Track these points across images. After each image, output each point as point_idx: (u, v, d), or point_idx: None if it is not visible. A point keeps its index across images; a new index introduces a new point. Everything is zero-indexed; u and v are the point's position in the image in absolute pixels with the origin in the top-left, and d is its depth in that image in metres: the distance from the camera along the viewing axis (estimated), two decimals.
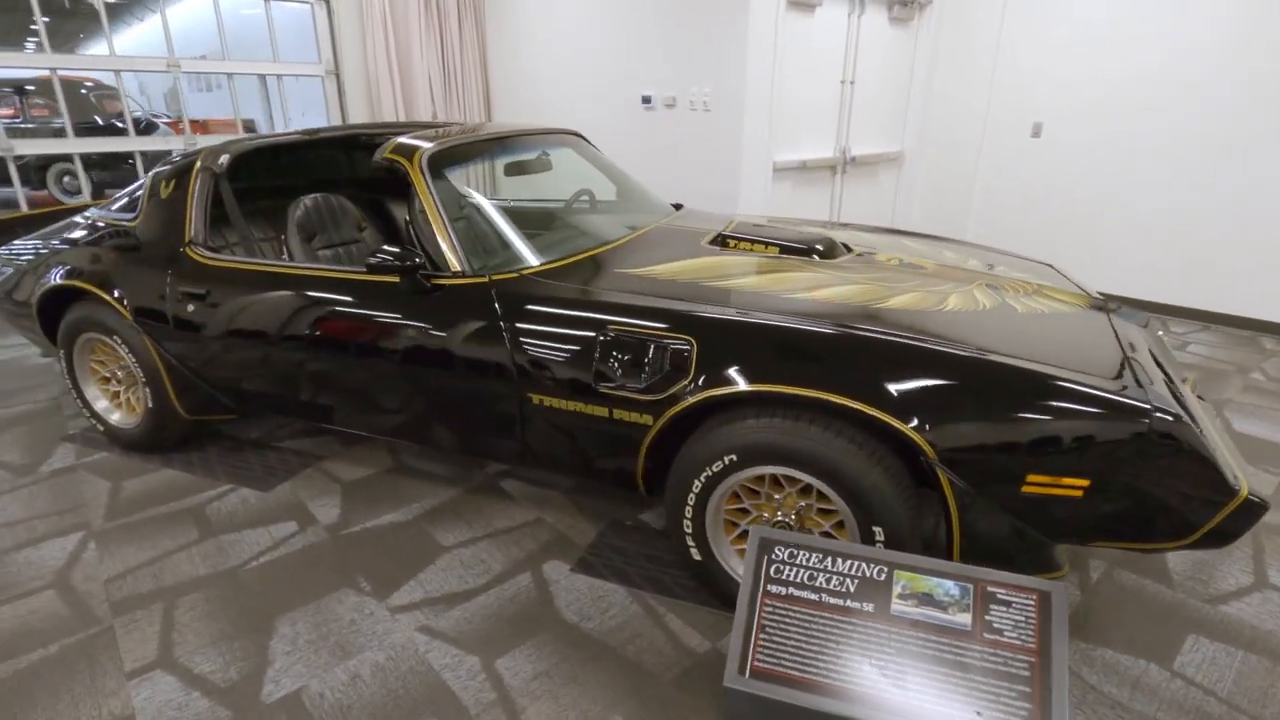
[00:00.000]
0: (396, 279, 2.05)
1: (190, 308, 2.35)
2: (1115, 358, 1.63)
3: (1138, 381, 1.52)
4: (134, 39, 15.40)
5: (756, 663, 1.41)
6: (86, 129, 7.56)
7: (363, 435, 2.56)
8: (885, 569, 1.46)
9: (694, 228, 2.52)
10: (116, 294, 2.47)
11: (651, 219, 2.61)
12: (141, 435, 2.66)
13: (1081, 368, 1.54)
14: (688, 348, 1.69)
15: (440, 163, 2.20)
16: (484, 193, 2.33)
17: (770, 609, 1.46)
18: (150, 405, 2.56)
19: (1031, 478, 1.47)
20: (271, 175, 3.14)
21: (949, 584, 1.42)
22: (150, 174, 2.61)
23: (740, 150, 4.15)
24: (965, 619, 1.37)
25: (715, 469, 1.70)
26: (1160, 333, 2.02)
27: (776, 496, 1.73)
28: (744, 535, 1.81)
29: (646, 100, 4.58)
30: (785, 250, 2.23)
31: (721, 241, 2.30)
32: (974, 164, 5.22)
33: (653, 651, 1.74)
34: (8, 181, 6.25)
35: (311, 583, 2.00)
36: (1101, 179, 4.57)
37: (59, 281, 2.59)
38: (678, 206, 2.94)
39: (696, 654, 1.73)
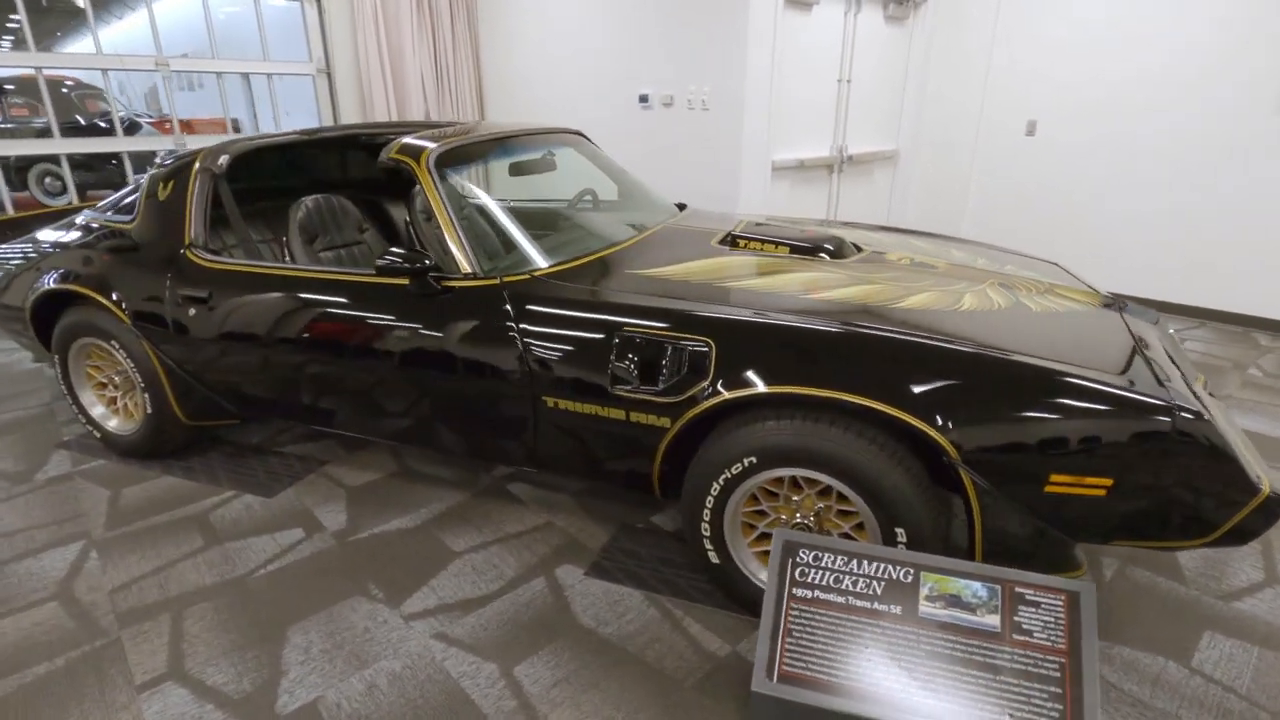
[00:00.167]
0: (406, 281, 2.02)
1: (192, 311, 2.31)
2: (1133, 356, 1.64)
3: (1157, 379, 1.53)
4: (112, 37, 15.16)
5: (784, 667, 1.39)
6: (69, 129, 7.44)
7: (367, 439, 2.53)
8: (911, 571, 1.45)
9: (702, 228, 2.51)
10: (114, 298, 2.42)
11: (658, 219, 2.59)
12: (140, 441, 2.61)
13: (1101, 367, 1.55)
14: (706, 349, 1.67)
15: (446, 163, 2.17)
16: (485, 193, 2.30)
17: (797, 612, 1.45)
18: (149, 411, 2.52)
19: (1055, 477, 1.47)
20: (268, 176, 3.09)
21: (976, 585, 1.41)
22: (147, 175, 2.56)
23: (740, 150, 4.14)
24: (994, 620, 1.36)
25: (734, 471, 1.68)
26: (1171, 330, 2.03)
27: (795, 498, 1.72)
28: (761, 538, 1.80)
29: (644, 99, 4.56)
30: (796, 250, 2.22)
31: (732, 241, 2.29)
32: (968, 163, 5.24)
33: (673, 656, 1.72)
34: None
35: (322, 590, 1.97)
36: (1100, 179, 4.60)
37: (53, 285, 2.53)
38: (681, 206, 2.92)
39: (717, 658, 1.72)
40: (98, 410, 2.71)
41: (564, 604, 1.91)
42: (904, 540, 1.58)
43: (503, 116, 5.78)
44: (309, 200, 2.67)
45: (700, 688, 1.63)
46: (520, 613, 1.88)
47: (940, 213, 5.49)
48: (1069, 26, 4.55)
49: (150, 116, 10.75)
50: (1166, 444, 1.40)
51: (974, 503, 1.53)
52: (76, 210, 3.10)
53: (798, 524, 1.71)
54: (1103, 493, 1.46)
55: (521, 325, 1.87)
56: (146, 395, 2.49)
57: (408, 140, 2.19)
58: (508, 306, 1.90)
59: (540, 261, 2.04)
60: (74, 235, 2.64)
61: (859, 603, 1.43)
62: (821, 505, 1.70)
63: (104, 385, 2.71)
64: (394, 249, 1.94)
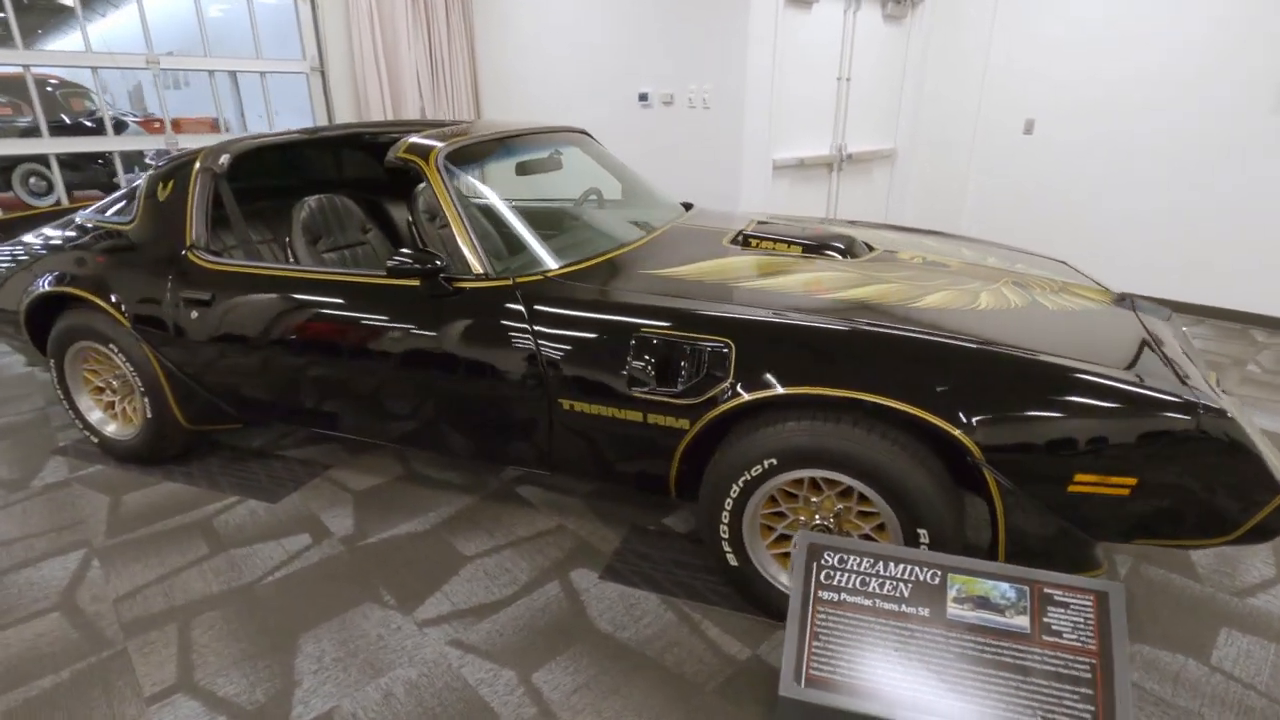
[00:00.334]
0: (416, 282, 1.99)
1: (194, 314, 2.26)
2: (1152, 354, 1.64)
3: (1178, 377, 1.53)
4: (95, 35, 14.94)
5: (812, 671, 1.38)
6: (55, 128, 7.30)
7: (372, 443, 2.50)
8: (939, 572, 1.44)
9: (712, 227, 2.49)
10: (113, 300, 2.37)
11: (666, 218, 2.57)
12: (139, 446, 2.56)
13: (1122, 365, 1.54)
14: (726, 350, 1.66)
15: (454, 162, 2.14)
16: (493, 193, 2.28)
17: (823, 615, 1.43)
18: (149, 415, 2.47)
19: (1079, 477, 1.46)
20: (267, 175, 3.04)
21: (1004, 586, 1.40)
22: (145, 174, 2.51)
23: (741, 148, 4.13)
24: (1023, 621, 1.36)
25: (754, 473, 1.67)
26: (1184, 328, 2.03)
27: (814, 500, 1.71)
28: (779, 540, 1.78)
29: (643, 98, 4.54)
30: (808, 249, 2.20)
31: (743, 241, 2.27)
32: (966, 162, 5.26)
33: (693, 660, 1.71)
34: None
35: (332, 597, 1.94)
36: (1098, 178, 4.62)
37: (49, 288, 2.48)
38: (687, 206, 2.90)
39: (738, 661, 1.70)
40: (95, 415, 2.66)
41: (580, 608, 1.89)
42: (926, 541, 1.57)
43: (499, 114, 5.74)
44: (312, 200, 2.63)
45: (722, 692, 1.61)
46: (536, 618, 1.85)
47: (938, 211, 5.50)
48: (1066, 25, 4.57)
49: (135, 115, 10.60)
50: (1190, 442, 1.40)
51: (997, 503, 1.52)
52: (69, 210, 3.04)
53: (817, 525, 1.70)
54: (1126, 492, 1.46)
55: (535, 327, 1.85)
56: (146, 399, 2.44)
57: (416, 139, 2.16)
58: (520, 308, 1.88)
59: (552, 262, 2.01)
60: (69, 236, 2.59)
61: (886, 605, 1.42)
62: (841, 506, 1.69)
63: (102, 389, 2.66)
64: (404, 250, 1.91)
